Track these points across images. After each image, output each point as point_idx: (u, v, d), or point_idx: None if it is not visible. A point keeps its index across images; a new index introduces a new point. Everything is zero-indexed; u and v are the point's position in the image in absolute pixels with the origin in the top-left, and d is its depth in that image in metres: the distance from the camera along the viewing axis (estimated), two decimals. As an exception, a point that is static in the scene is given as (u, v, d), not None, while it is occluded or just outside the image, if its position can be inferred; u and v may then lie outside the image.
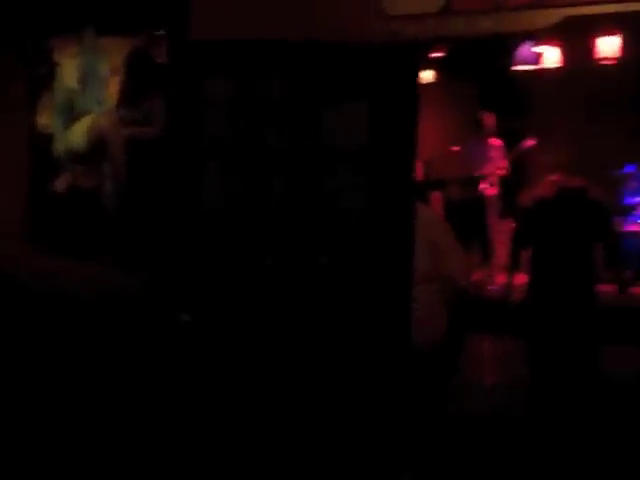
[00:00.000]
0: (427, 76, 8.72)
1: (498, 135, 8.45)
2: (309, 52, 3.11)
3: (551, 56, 7.89)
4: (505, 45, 6.67)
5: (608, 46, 6.85)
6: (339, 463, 3.13)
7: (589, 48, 7.10)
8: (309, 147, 3.20)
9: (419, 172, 10.10)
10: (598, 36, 6.83)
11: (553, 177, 4.74)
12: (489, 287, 8.28)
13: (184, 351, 3.24)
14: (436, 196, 9.55)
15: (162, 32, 5.17)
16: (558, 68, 8.03)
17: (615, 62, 7.06)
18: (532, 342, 4.74)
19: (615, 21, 5.15)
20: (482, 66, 8.61)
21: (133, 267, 4.35)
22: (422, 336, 3.39)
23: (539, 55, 7.00)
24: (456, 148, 8.98)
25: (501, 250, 9.18)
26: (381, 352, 3.30)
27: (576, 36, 6.93)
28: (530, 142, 8.04)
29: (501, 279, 7.95)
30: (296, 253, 3.24)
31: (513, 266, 4.97)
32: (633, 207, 8.71)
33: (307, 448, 3.15)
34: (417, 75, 3.08)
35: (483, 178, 8.32)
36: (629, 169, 8.85)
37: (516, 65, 6.70)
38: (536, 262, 4.80)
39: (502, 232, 9.35)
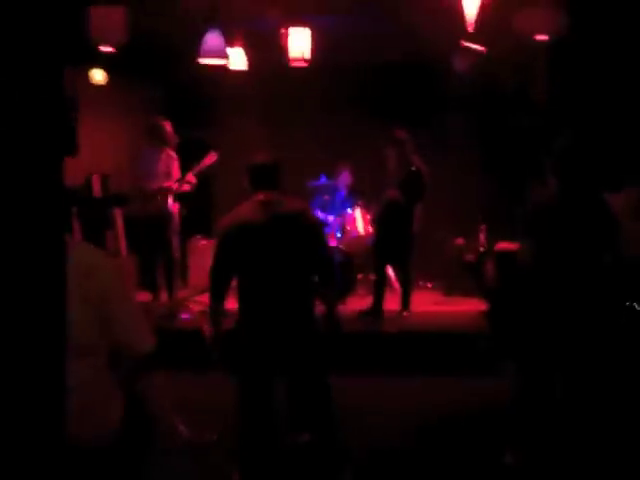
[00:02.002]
0: (97, 77, 7.57)
1: (179, 146, 7.68)
2: None
3: (238, 58, 7.18)
4: (188, 39, 5.72)
5: (298, 47, 6.26)
6: None
7: (280, 48, 6.48)
8: None
9: (96, 187, 9.02)
10: (291, 33, 6.20)
11: (259, 197, 3.97)
12: (182, 315, 7.40)
13: None
14: (118, 213, 8.57)
15: None
16: (246, 71, 7.35)
17: (306, 65, 6.50)
18: (245, 380, 4.00)
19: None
20: (160, 67, 7.70)
21: None
22: (84, 429, 2.30)
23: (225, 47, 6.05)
24: (135, 159, 8.01)
25: (197, 271, 8.46)
26: (25, 454, 2.15)
27: (266, 35, 6.32)
28: (213, 156, 7.25)
29: (196, 307, 7.21)
30: None
31: (215, 295, 4.09)
32: (326, 221, 8.36)
33: None
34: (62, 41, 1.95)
35: (164, 192, 7.45)
36: (322, 181, 8.54)
37: (202, 57, 5.74)
38: (245, 292, 4.03)
39: (196, 252, 8.68)
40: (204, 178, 7.61)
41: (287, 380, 4.06)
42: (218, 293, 4.06)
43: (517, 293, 4.75)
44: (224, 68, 7.17)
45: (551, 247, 4.11)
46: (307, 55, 6.30)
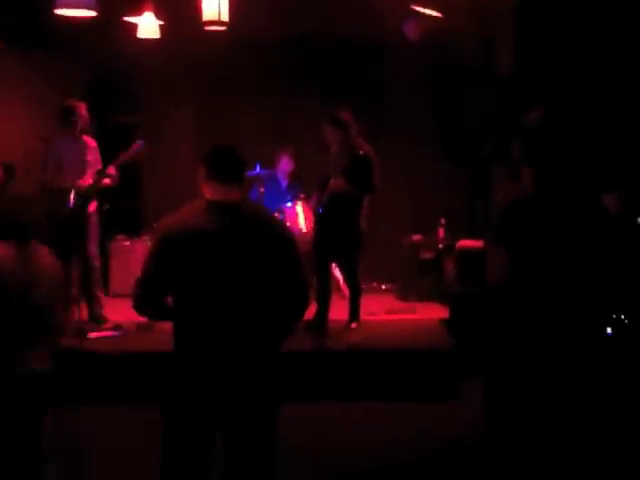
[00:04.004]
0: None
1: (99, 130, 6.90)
2: None
3: (148, 24, 6.12)
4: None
5: (212, 7, 5.19)
6: None
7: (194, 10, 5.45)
8: None
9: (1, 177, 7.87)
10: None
11: (214, 194, 3.24)
12: (91, 335, 6.32)
13: None
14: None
15: None
16: (160, 41, 6.38)
17: (224, 28, 5.48)
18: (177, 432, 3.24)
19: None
20: (61, 35, 6.59)
21: None
22: None
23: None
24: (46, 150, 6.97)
25: (119, 277, 7.69)
26: None
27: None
28: (138, 145, 6.37)
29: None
30: None
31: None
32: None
33: None
34: None
35: (79, 190, 6.42)
36: (257, 171, 7.58)
37: (58, 7, 4.53)
38: (187, 320, 3.22)
39: (119, 254, 8.00)
40: (128, 168, 6.66)
41: (227, 433, 3.29)
42: (147, 314, 3.36)
43: (486, 308, 3.92)
44: (135, 38, 6.11)
45: (530, 257, 3.20)
46: (224, 17, 5.21)
